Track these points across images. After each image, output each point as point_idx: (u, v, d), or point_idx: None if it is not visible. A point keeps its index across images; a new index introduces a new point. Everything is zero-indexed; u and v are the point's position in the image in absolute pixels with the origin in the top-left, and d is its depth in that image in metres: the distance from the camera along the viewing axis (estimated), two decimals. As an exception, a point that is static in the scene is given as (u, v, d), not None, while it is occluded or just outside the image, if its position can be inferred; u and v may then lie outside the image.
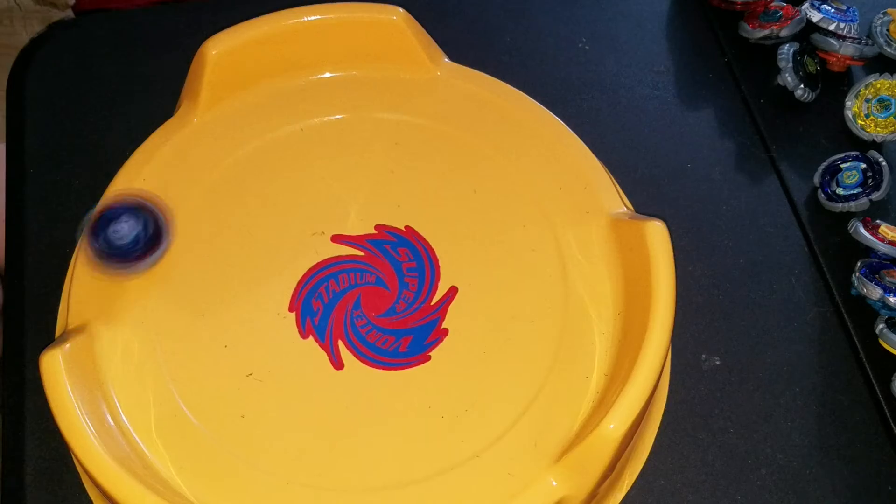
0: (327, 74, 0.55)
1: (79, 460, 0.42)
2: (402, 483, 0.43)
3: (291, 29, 0.52)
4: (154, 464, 0.42)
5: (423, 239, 0.50)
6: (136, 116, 0.56)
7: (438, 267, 0.49)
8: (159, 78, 0.55)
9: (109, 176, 0.51)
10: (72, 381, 0.41)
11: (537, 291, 0.48)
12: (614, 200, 0.51)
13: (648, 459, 0.49)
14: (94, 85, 0.61)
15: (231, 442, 0.43)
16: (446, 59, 0.56)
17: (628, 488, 0.48)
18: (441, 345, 0.47)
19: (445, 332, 0.47)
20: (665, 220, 0.57)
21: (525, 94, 0.55)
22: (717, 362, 0.52)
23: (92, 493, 0.46)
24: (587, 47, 0.65)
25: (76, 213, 0.52)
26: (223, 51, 0.51)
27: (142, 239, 0.45)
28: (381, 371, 0.46)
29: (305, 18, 0.52)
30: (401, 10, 0.53)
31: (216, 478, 0.43)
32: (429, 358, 0.46)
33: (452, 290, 0.49)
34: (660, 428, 0.50)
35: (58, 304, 0.49)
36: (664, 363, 0.43)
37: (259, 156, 0.52)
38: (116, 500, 0.39)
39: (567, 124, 0.61)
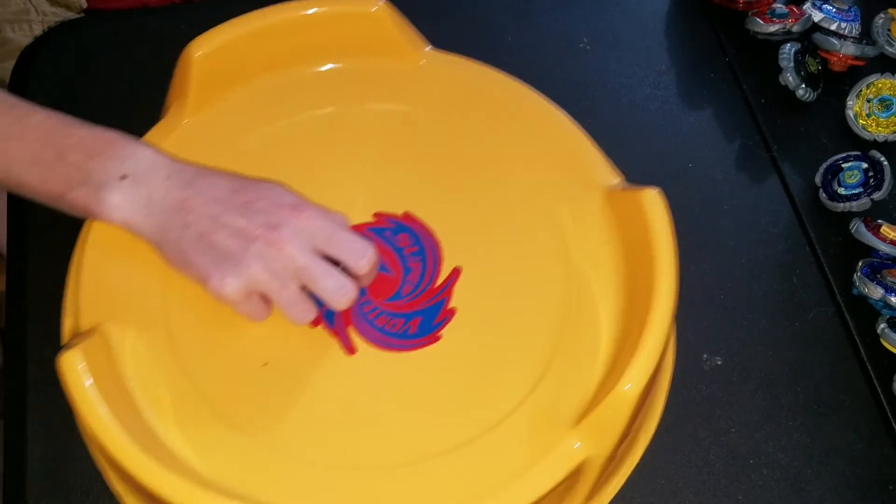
0: (312, 69, 0.56)
1: (109, 458, 0.42)
2: (428, 456, 0.43)
3: (273, 26, 0.53)
4: (181, 455, 0.42)
5: (423, 223, 0.51)
6: (136, 117, 0.55)
7: (440, 249, 0.50)
8: (159, 78, 0.55)
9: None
10: (94, 381, 0.41)
11: (539, 265, 0.49)
12: (608, 173, 0.51)
13: (649, 459, 0.49)
14: (94, 85, 0.61)
15: (251, 429, 0.44)
16: (429, 48, 0.56)
17: (644, 450, 0.48)
18: (450, 324, 0.47)
19: (453, 311, 0.48)
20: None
21: (508, 75, 0.56)
22: (719, 362, 0.52)
23: (120, 488, 0.46)
24: (588, 47, 0.65)
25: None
26: (207, 52, 0.51)
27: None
28: (393, 353, 0.47)
29: (285, 15, 0.53)
30: (381, 1, 0.53)
31: (244, 468, 0.43)
32: (439, 337, 0.47)
33: (456, 272, 0.49)
34: (661, 427, 0.50)
35: (60, 304, 0.49)
36: (671, 325, 0.44)
37: (251, 153, 0.52)
38: (161, 497, 0.39)
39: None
